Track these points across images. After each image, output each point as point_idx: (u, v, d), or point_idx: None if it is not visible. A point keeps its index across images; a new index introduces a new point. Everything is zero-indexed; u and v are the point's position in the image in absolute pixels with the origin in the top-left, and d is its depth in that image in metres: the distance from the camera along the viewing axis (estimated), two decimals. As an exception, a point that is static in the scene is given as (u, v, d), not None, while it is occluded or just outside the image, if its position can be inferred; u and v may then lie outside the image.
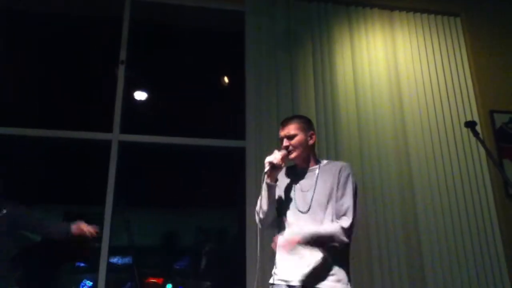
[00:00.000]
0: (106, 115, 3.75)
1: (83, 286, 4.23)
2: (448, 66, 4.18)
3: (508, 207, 3.80)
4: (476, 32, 4.38)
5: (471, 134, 3.65)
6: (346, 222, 2.17)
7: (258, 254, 2.19)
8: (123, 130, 3.71)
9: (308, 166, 2.38)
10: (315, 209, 2.24)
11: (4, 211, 2.83)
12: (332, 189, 2.26)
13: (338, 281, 2.14)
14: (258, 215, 2.29)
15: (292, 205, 2.30)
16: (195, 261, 4.21)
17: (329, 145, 3.70)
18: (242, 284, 3.35)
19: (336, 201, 2.23)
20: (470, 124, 2.72)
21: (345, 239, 2.15)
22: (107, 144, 3.64)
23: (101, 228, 3.36)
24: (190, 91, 4.32)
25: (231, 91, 4.63)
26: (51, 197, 4.15)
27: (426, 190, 3.71)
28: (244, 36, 3.96)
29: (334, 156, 3.65)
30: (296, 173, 2.40)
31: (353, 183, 2.29)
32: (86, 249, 2.95)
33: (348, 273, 2.20)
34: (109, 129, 3.69)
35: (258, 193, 3.40)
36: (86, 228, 2.89)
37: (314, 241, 2.14)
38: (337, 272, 2.16)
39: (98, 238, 2.95)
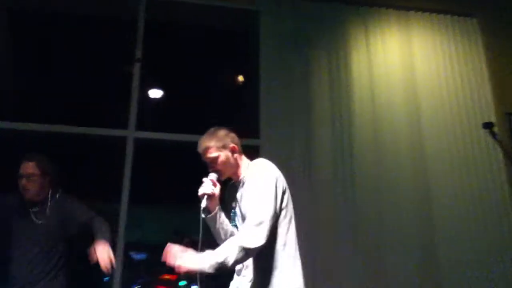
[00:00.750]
0: (121, 112, 3.79)
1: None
2: (465, 67, 4.12)
3: (525, 208, 3.75)
4: (492, 33, 4.32)
5: (487, 136, 3.60)
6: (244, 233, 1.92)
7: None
8: (139, 127, 3.76)
9: (238, 177, 2.19)
10: (240, 225, 2.10)
11: (58, 196, 2.74)
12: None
13: None
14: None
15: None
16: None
17: (344, 146, 3.69)
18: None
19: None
20: (488, 125, 2.70)
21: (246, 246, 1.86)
22: (123, 140, 3.69)
23: (116, 224, 3.38)
24: (203, 89, 4.34)
25: (243, 89, 4.64)
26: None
27: (443, 192, 3.68)
28: (257, 35, 3.97)
29: (350, 160, 3.64)
30: (234, 186, 2.24)
31: (260, 186, 2.02)
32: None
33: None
34: (125, 126, 3.74)
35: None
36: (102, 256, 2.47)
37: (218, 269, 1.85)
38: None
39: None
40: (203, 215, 2.04)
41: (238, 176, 2.19)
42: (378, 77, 3.93)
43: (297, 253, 2.05)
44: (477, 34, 4.29)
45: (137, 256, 3.70)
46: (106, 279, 4.24)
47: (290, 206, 2.10)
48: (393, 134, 3.79)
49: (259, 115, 3.75)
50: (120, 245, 3.39)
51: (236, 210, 2.18)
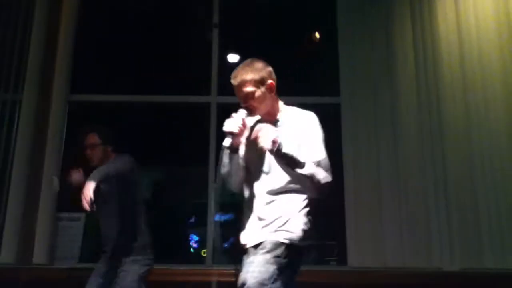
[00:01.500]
0: (203, 80, 3.89)
1: (191, 240, 4.56)
2: None
3: None
4: None
5: None
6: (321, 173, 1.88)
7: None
8: (220, 93, 3.83)
9: (273, 119, 2.01)
10: (275, 167, 1.93)
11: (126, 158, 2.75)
12: (296, 139, 1.92)
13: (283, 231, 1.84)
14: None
15: (258, 166, 1.97)
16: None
17: (431, 107, 3.52)
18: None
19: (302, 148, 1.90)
20: None
21: (323, 179, 1.86)
22: (207, 107, 3.81)
23: (203, 186, 3.52)
24: (281, 50, 4.28)
25: (321, 48, 4.51)
26: (154, 159, 4.38)
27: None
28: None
29: (438, 125, 3.47)
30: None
31: (321, 132, 1.96)
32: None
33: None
34: (208, 92, 3.85)
35: (356, 150, 3.45)
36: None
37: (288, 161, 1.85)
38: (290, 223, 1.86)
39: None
40: (227, 151, 1.94)
41: (273, 117, 2.02)
42: (468, 28, 3.62)
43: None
44: None
45: (223, 217, 3.87)
46: (196, 238, 4.48)
47: None
48: (485, 91, 3.51)
49: (339, 72, 3.68)
50: (211, 205, 3.57)
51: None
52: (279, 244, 1.80)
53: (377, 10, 3.73)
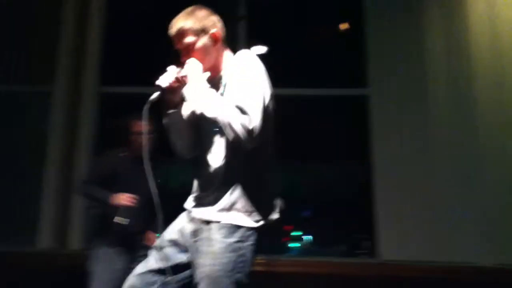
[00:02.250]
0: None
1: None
2: None
3: None
4: None
5: None
6: (246, 119, 1.47)
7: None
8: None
9: (216, 74, 1.70)
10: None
11: None
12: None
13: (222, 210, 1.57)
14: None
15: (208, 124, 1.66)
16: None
17: (463, 99, 3.45)
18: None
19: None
20: None
21: (245, 136, 1.46)
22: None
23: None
24: (307, 40, 4.24)
25: (348, 39, 4.45)
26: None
27: None
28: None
29: (471, 118, 3.41)
30: (210, 84, 1.66)
31: (251, 70, 1.58)
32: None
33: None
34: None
35: (384, 145, 3.42)
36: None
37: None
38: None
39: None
40: (147, 105, 1.63)
41: (216, 72, 1.70)
42: (500, 21, 3.55)
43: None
44: None
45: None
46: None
47: (272, 123, 1.65)
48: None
49: (368, 61, 3.64)
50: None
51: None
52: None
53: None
